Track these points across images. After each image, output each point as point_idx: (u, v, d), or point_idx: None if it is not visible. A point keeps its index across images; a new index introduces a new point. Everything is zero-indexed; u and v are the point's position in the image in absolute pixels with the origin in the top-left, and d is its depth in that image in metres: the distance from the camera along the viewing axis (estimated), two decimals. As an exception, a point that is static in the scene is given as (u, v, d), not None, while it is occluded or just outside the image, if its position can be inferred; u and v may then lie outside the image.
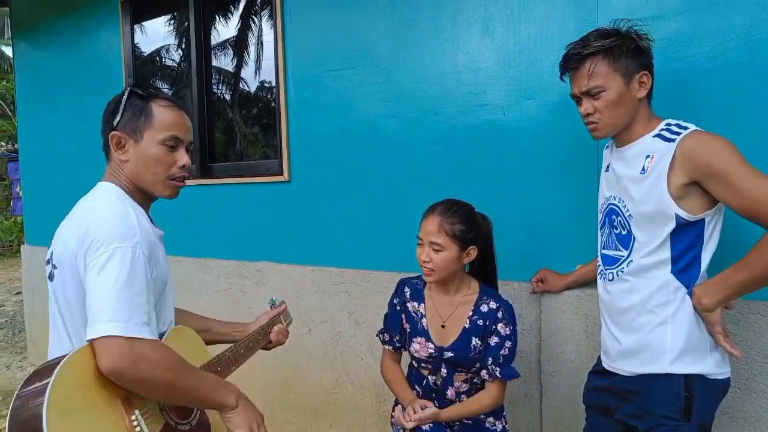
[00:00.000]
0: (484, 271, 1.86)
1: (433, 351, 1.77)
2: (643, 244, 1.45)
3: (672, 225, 1.39)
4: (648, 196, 1.42)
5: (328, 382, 2.64)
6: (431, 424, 1.70)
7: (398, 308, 1.88)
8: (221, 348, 1.57)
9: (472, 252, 1.74)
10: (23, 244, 4.17)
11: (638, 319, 1.47)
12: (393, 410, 1.89)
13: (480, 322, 1.75)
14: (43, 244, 1.36)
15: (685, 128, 1.40)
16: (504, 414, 1.86)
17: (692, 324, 1.41)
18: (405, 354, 1.90)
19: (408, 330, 1.85)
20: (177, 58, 3.47)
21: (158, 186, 1.38)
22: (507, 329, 1.74)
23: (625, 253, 1.50)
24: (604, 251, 1.58)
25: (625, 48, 1.43)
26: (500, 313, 1.74)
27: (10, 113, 14.17)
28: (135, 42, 3.39)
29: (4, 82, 15.48)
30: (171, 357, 1.19)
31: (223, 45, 3.23)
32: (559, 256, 2.02)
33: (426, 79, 2.27)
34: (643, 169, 1.43)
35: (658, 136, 1.43)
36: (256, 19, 3.11)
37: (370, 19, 2.40)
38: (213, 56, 3.20)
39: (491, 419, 1.82)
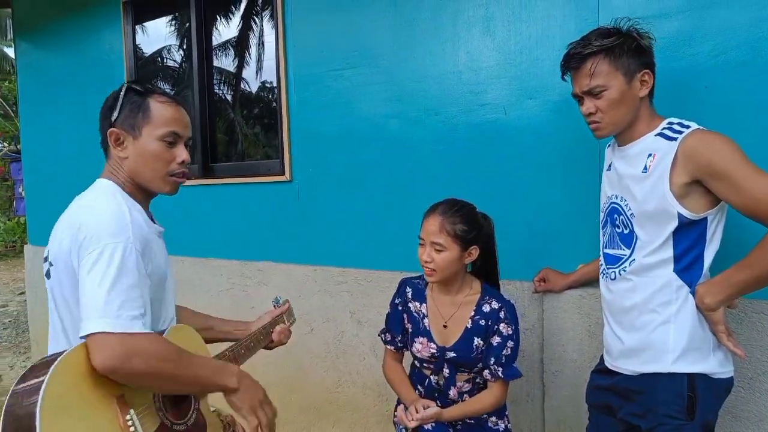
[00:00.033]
0: (486, 271, 1.86)
1: (435, 351, 1.77)
2: (645, 243, 1.45)
3: (674, 224, 1.39)
4: (650, 195, 1.41)
5: (330, 381, 2.65)
6: (433, 424, 1.70)
7: (400, 308, 1.88)
8: (221, 347, 1.57)
9: (474, 252, 1.74)
10: (26, 244, 4.19)
11: (641, 318, 1.47)
12: (395, 410, 1.89)
13: (482, 322, 1.75)
14: (46, 245, 1.36)
15: (687, 127, 1.40)
16: (506, 413, 1.86)
17: (695, 323, 1.41)
18: (407, 353, 1.90)
19: (410, 330, 1.85)
20: (178, 58, 3.48)
21: (157, 182, 1.37)
22: (509, 329, 1.73)
23: (627, 252, 1.49)
24: (606, 250, 1.58)
25: (627, 47, 1.42)
26: (502, 312, 1.74)
27: (12, 114, 14.20)
28: (137, 43, 3.40)
29: (6, 83, 15.52)
30: (165, 348, 1.18)
31: (224, 45, 3.23)
32: (561, 255, 2.02)
33: (427, 78, 2.27)
34: (645, 167, 1.43)
35: (660, 134, 1.43)
36: (257, 19, 3.11)
37: (371, 19, 2.40)
38: (214, 57, 3.20)
39: (494, 419, 1.81)
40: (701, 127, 1.40)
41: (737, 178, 1.30)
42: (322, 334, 2.64)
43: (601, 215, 1.63)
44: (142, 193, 1.39)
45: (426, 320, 1.81)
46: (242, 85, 3.28)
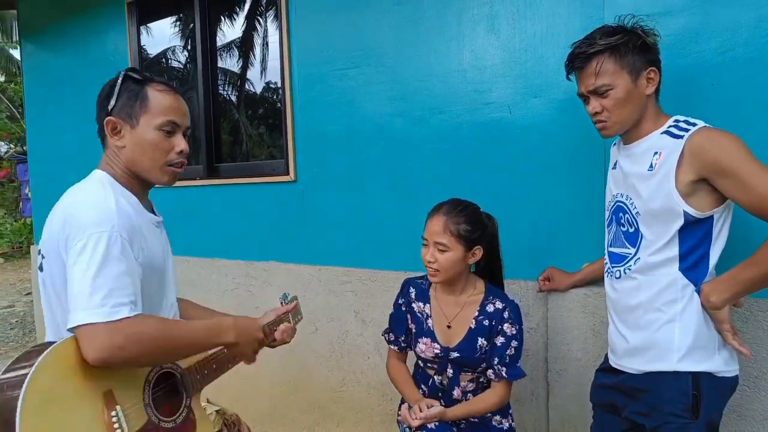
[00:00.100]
0: (490, 271, 1.85)
1: (438, 351, 1.77)
2: (650, 241, 1.44)
3: (680, 222, 1.38)
4: (656, 194, 1.41)
5: (334, 381, 2.65)
6: (437, 423, 1.69)
7: (403, 309, 1.87)
8: None
9: (478, 252, 1.74)
10: (32, 245, 4.21)
11: (646, 317, 1.46)
12: (399, 409, 1.89)
13: (486, 322, 1.74)
14: (51, 245, 1.35)
15: (694, 125, 1.39)
16: (510, 412, 1.86)
17: (700, 322, 1.41)
18: (411, 353, 1.90)
19: (413, 330, 1.85)
20: (183, 59, 3.49)
21: (155, 172, 1.35)
22: (513, 329, 1.73)
23: (632, 250, 1.49)
24: (612, 249, 1.58)
25: (632, 45, 1.42)
26: (506, 313, 1.74)
27: (18, 115, 14.29)
28: (141, 44, 3.41)
29: (12, 85, 15.61)
30: (155, 326, 1.16)
31: (228, 46, 3.24)
32: (565, 254, 2.01)
33: (431, 77, 2.26)
34: (651, 166, 1.42)
35: (666, 132, 1.42)
36: (261, 19, 3.11)
37: (375, 18, 2.40)
38: (219, 57, 3.21)
39: (498, 417, 1.81)
40: (708, 125, 1.39)
41: (744, 176, 1.29)
42: (327, 333, 2.65)
43: (606, 214, 1.62)
44: (139, 183, 1.37)
45: (429, 320, 1.81)
46: (247, 86, 3.29)
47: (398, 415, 1.88)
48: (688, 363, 1.40)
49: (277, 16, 2.72)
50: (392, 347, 1.90)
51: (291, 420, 2.83)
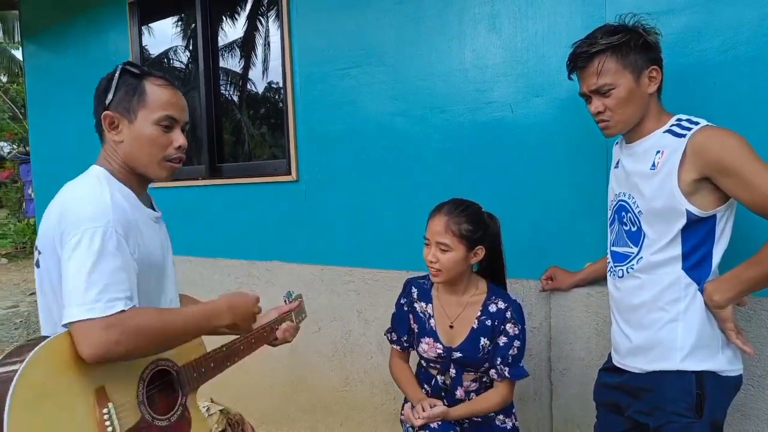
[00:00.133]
0: (492, 271, 1.85)
1: (441, 351, 1.77)
2: (653, 240, 1.44)
3: (683, 221, 1.38)
4: (658, 192, 1.41)
5: (338, 380, 2.65)
6: (440, 422, 1.69)
7: (405, 308, 1.87)
8: (225, 339, 1.52)
9: (480, 252, 1.73)
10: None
11: (649, 316, 1.46)
12: (402, 408, 1.89)
13: (488, 323, 1.74)
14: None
15: (696, 123, 1.39)
16: (514, 411, 1.86)
17: (703, 321, 1.40)
18: (414, 352, 1.89)
19: (416, 330, 1.85)
20: (185, 59, 3.49)
21: (153, 167, 1.33)
22: (516, 329, 1.73)
23: (635, 249, 1.49)
24: (614, 248, 1.57)
25: (633, 44, 1.41)
26: (509, 312, 1.74)
27: (21, 116, 14.33)
28: (143, 44, 3.41)
29: (14, 85, 15.65)
30: (150, 317, 1.15)
31: (230, 46, 3.24)
32: (568, 253, 2.01)
33: (433, 76, 2.26)
34: (653, 165, 1.42)
35: (669, 131, 1.42)
36: (262, 19, 3.11)
37: (376, 18, 2.39)
38: (220, 57, 3.21)
39: (501, 417, 1.81)
40: (710, 124, 1.39)
41: (746, 175, 1.29)
42: (330, 333, 2.65)
43: (609, 213, 1.62)
44: (136, 178, 1.35)
45: (432, 320, 1.80)
46: (248, 86, 3.29)
47: (401, 414, 1.88)
48: (692, 362, 1.40)
49: (279, 16, 2.71)
50: (395, 347, 1.90)
51: (294, 419, 2.83)
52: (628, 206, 1.51)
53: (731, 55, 1.67)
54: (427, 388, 1.84)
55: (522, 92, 2.06)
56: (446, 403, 1.76)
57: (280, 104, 2.92)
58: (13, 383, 0.99)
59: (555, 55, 1.97)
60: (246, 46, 3.20)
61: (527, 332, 1.82)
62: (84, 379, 1.11)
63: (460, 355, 1.75)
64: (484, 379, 1.80)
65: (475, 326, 1.75)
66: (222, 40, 3.20)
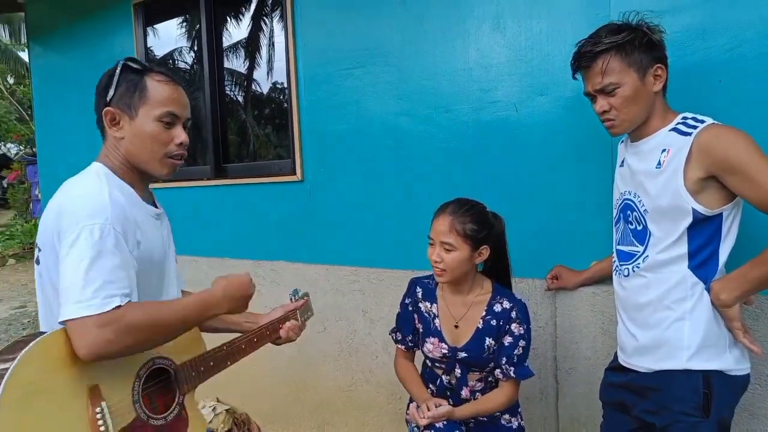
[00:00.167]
0: (497, 271, 1.85)
1: (446, 351, 1.77)
2: (659, 239, 1.44)
3: (689, 220, 1.38)
4: (664, 191, 1.40)
5: (343, 380, 2.65)
6: (445, 422, 1.69)
7: (410, 308, 1.87)
8: (228, 338, 1.52)
9: (485, 252, 1.73)
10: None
11: (655, 315, 1.46)
12: (408, 408, 1.89)
13: (493, 322, 1.74)
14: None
15: (702, 122, 1.38)
16: (519, 410, 1.86)
17: (710, 320, 1.40)
18: (419, 352, 1.90)
19: (421, 330, 1.85)
20: (189, 60, 3.50)
21: (154, 164, 1.32)
22: (521, 329, 1.72)
23: (640, 248, 1.48)
24: (620, 247, 1.57)
25: (638, 42, 1.41)
26: (514, 312, 1.73)
27: (27, 117, 14.41)
28: (148, 45, 3.43)
29: (21, 87, 15.73)
30: (144, 313, 1.13)
31: (234, 47, 3.25)
32: (573, 252, 2.01)
33: (437, 76, 2.26)
34: (659, 163, 1.42)
35: (674, 129, 1.42)
36: (267, 20, 3.12)
37: (380, 17, 2.39)
38: (225, 58, 3.22)
39: (507, 416, 1.81)
40: (716, 122, 1.38)
41: (753, 173, 1.29)
42: (335, 333, 2.65)
43: (614, 212, 1.62)
44: (137, 175, 1.34)
45: (437, 320, 1.80)
46: (253, 86, 3.30)
47: (406, 414, 1.88)
48: (699, 361, 1.39)
49: (283, 17, 2.72)
50: (399, 346, 1.90)
51: (300, 419, 2.84)
52: (633, 205, 1.50)
53: (737, 53, 1.66)
54: (432, 388, 1.84)
55: (526, 91, 2.06)
56: (451, 403, 1.75)
57: (285, 104, 2.93)
58: (4, 381, 0.97)
59: (559, 53, 1.96)
60: (250, 46, 3.20)
61: (533, 331, 1.81)
62: (78, 377, 1.10)
63: (465, 355, 1.75)
64: (489, 379, 1.80)
65: (480, 326, 1.75)
66: (226, 41, 3.21)
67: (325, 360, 2.70)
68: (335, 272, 2.62)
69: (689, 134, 1.37)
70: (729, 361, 1.40)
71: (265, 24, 3.13)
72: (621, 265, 1.56)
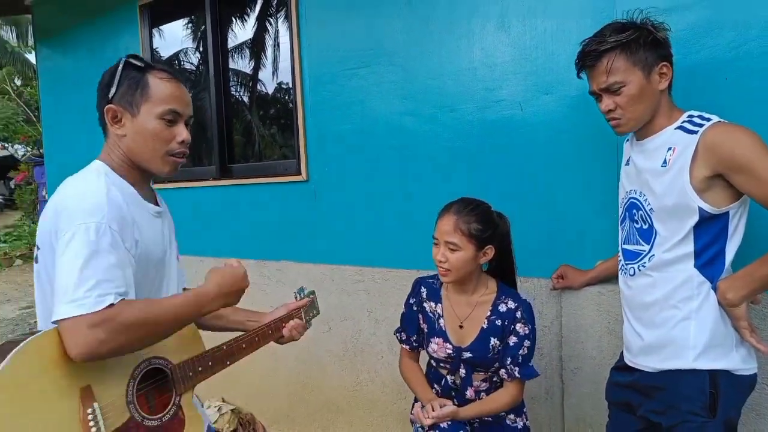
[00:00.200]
0: (502, 271, 1.84)
1: (451, 351, 1.77)
2: (665, 238, 1.43)
3: (695, 218, 1.37)
4: (670, 189, 1.39)
5: (348, 380, 2.66)
6: (449, 422, 1.69)
7: (415, 308, 1.87)
8: (231, 336, 1.51)
9: (489, 251, 1.72)
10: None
11: (661, 314, 1.45)
12: (412, 408, 1.89)
13: (498, 322, 1.74)
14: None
15: (708, 120, 1.38)
16: (525, 410, 1.85)
17: (717, 319, 1.39)
18: (424, 352, 1.89)
19: (425, 330, 1.84)
20: (195, 60, 3.51)
21: (156, 162, 1.32)
22: (526, 329, 1.72)
23: (646, 247, 1.48)
24: (625, 246, 1.56)
25: (642, 41, 1.40)
26: (519, 312, 1.73)
27: (35, 119, 14.50)
28: (154, 46, 3.44)
29: (28, 89, 15.84)
30: (137, 311, 1.11)
31: (240, 47, 3.26)
32: (579, 251, 2.00)
33: (442, 75, 2.26)
34: (665, 161, 1.41)
35: (680, 128, 1.41)
36: (272, 20, 3.13)
37: (385, 17, 2.40)
38: (230, 58, 3.23)
39: (512, 416, 1.81)
40: (722, 120, 1.38)
41: (759, 171, 1.28)
42: (340, 332, 2.66)
43: (620, 210, 1.61)
44: (138, 173, 1.34)
45: (441, 320, 1.80)
46: (258, 87, 3.31)
47: (411, 414, 1.88)
48: (705, 361, 1.39)
49: (288, 17, 2.73)
50: (404, 346, 1.90)
51: (305, 419, 2.84)
52: (639, 204, 1.50)
53: (743, 51, 1.66)
54: (437, 388, 1.84)
55: (531, 90, 2.05)
56: (456, 403, 1.75)
57: (290, 105, 2.94)
58: None
59: (564, 52, 1.96)
60: (255, 47, 3.21)
61: (538, 331, 1.81)
62: (69, 377, 1.08)
63: (470, 355, 1.74)
64: (494, 379, 1.79)
65: (485, 326, 1.74)
66: (232, 42, 3.22)
67: (330, 360, 2.70)
68: (340, 272, 2.62)
69: (695, 132, 1.36)
70: (736, 361, 1.39)
71: (270, 24, 3.14)
72: (627, 264, 1.55)
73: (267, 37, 3.17)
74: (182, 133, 1.32)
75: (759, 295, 1.45)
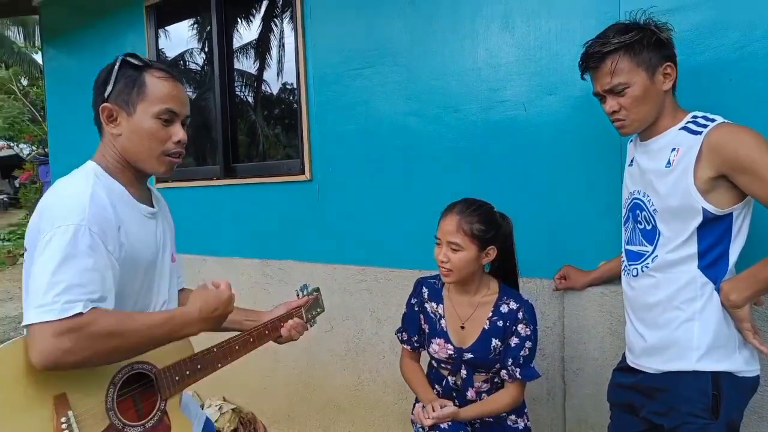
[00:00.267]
0: (504, 271, 1.83)
1: (452, 352, 1.76)
2: (668, 239, 1.43)
3: (699, 219, 1.37)
4: (674, 190, 1.39)
5: (350, 379, 2.66)
6: (450, 423, 1.69)
7: (416, 309, 1.87)
8: (229, 336, 1.47)
9: (492, 252, 1.72)
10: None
11: (664, 316, 1.44)
12: (413, 408, 1.88)
13: (500, 323, 1.73)
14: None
15: (712, 120, 1.38)
16: (526, 411, 1.85)
17: (720, 320, 1.39)
18: (425, 352, 1.89)
19: (427, 331, 1.84)
20: (200, 61, 3.53)
21: (152, 162, 1.29)
22: (527, 330, 1.71)
23: (649, 248, 1.47)
24: (629, 247, 1.56)
25: (646, 41, 1.40)
26: (520, 313, 1.72)
27: (40, 118, 14.57)
28: (159, 46, 3.46)
29: (34, 88, 15.93)
30: (107, 323, 1.06)
31: (245, 47, 3.27)
32: (582, 252, 2.00)
33: (446, 76, 2.26)
34: (669, 162, 1.41)
35: (684, 128, 1.41)
36: (277, 21, 3.14)
37: (389, 18, 2.40)
38: (235, 59, 3.24)
39: (513, 417, 1.80)
40: (726, 121, 1.37)
41: (764, 172, 1.27)
42: (342, 332, 2.66)
43: (623, 211, 1.61)
44: (133, 173, 1.31)
45: (443, 321, 1.80)
46: (263, 87, 3.32)
47: (412, 414, 1.87)
48: (708, 362, 1.38)
49: (293, 18, 2.73)
50: (405, 347, 1.90)
51: (306, 418, 2.84)
52: (642, 204, 1.49)
53: (747, 51, 1.65)
54: (438, 389, 1.83)
55: (535, 91, 2.05)
56: (457, 404, 1.75)
57: (294, 105, 2.94)
58: None
59: (568, 53, 1.96)
60: (260, 47, 3.22)
61: (540, 332, 1.81)
62: (42, 385, 1.04)
63: (471, 355, 1.74)
64: (495, 380, 1.79)
65: (486, 327, 1.74)
66: (237, 42, 3.23)
67: (332, 359, 2.71)
68: (343, 271, 2.63)
69: (699, 133, 1.36)
70: (738, 363, 1.39)
71: (276, 25, 3.15)
72: (630, 265, 1.55)
73: (272, 37, 3.19)
74: (178, 132, 1.30)
75: (762, 296, 1.44)
